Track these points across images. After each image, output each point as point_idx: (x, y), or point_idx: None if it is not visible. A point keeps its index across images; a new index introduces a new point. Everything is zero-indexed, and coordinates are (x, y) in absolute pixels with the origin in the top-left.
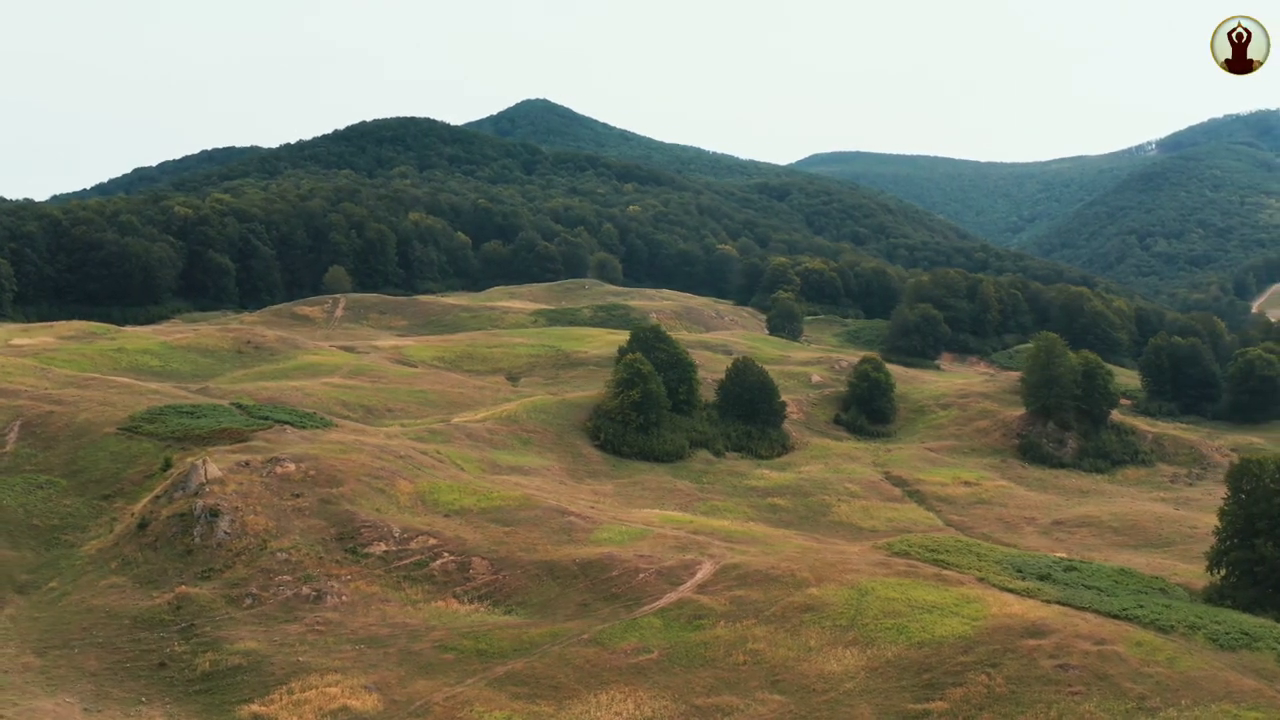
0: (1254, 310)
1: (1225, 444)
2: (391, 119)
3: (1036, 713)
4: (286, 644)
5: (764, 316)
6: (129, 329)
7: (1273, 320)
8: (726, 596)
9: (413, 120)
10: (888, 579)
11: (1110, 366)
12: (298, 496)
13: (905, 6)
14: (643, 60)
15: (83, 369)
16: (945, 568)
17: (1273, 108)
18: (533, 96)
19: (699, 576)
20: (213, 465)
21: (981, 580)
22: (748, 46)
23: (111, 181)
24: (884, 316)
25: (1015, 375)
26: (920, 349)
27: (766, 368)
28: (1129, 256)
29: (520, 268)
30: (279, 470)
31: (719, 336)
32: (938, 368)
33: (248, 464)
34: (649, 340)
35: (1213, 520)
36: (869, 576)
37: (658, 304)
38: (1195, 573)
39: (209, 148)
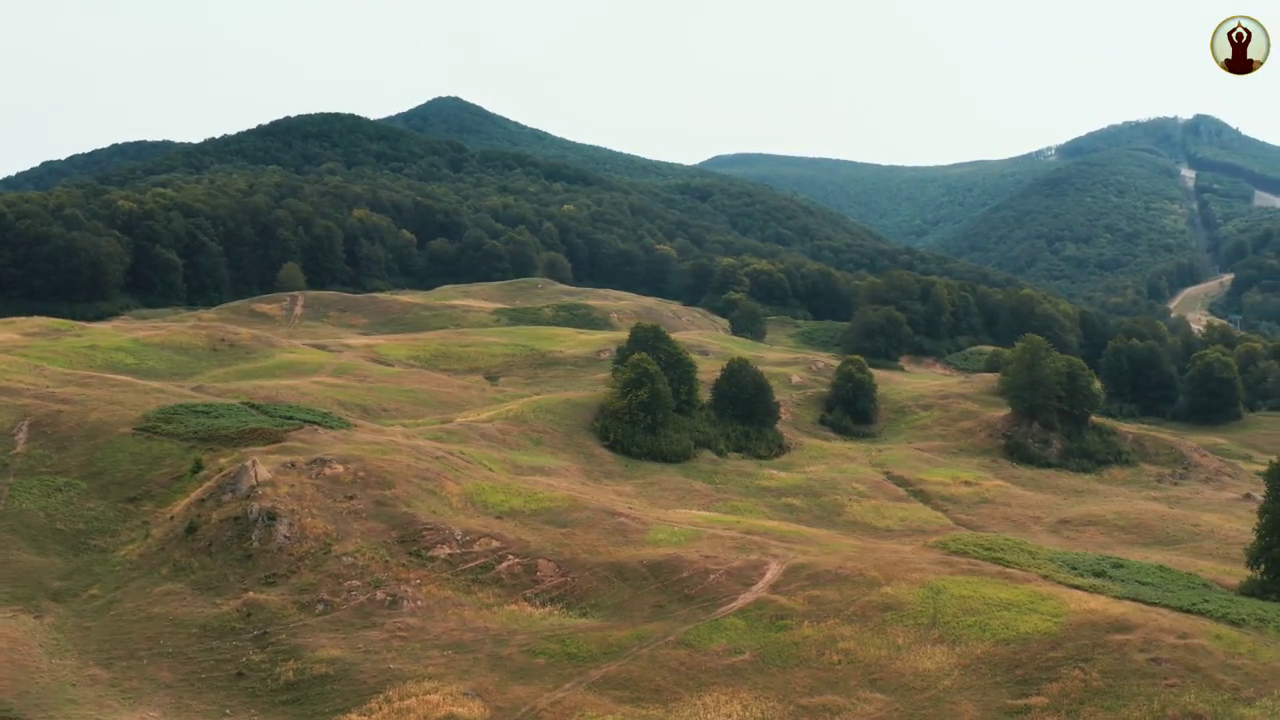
0: (1171, 314)
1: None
2: (316, 115)
3: (1138, 705)
4: (372, 651)
5: (716, 317)
6: (93, 325)
7: (1211, 326)
8: (803, 596)
9: (337, 116)
10: (955, 577)
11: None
12: (351, 499)
13: (803, 12)
14: (541, 61)
15: (61, 367)
16: (1007, 566)
17: (1170, 115)
18: (443, 94)
19: (769, 577)
20: (262, 467)
21: (1045, 577)
22: (647, 46)
23: (20, 175)
24: (831, 317)
25: (992, 376)
26: (884, 350)
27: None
28: (1039, 260)
29: (468, 266)
30: (327, 472)
31: (690, 336)
32: (902, 369)
33: (293, 465)
34: (649, 339)
35: (1214, 519)
36: (936, 575)
37: (616, 304)
38: (1218, 569)
39: (118, 141)
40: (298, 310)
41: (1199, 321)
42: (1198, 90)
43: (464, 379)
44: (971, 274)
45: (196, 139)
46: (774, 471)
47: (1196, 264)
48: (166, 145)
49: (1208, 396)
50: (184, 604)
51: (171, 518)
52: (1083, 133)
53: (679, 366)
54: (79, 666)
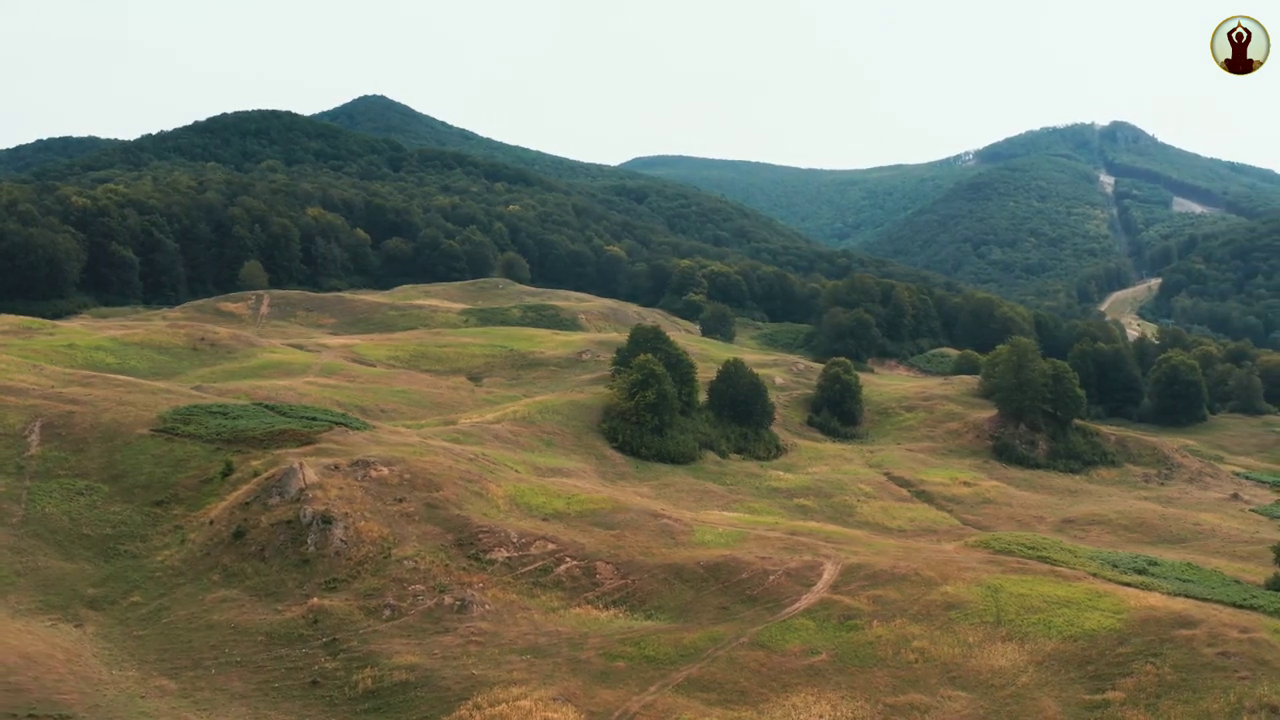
0: (1106, 318)
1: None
2: (254, 111)
3: (1215, 697)
4: (450, 657)
5: (676, 318)
6: (64, 324)
7: (1164, 330)
8: (866, 596)
9: (275, 114)
10: (1009, 576)
11: None
12: (401, 501)
13: (720, 17)
14: (460, 62)
15: (48, 365)
16: (1054, 564)
17: (1087, 121)
18: (368, 93)
19: (826, 577)
20: (309, 470)
21: (1094, 575)
22: (567, 47)
23: None
24: (788, 319)
25: (971, 378)
26: (854, 352)
27: None
28: (965, 264)
29: (424, 266)
30: (373, 474)
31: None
32: (872, 371)
33: (336, 467)
34: (650, 340)
35: (1211, 519)
36: (990, 574)
37: (581, 305)
38: (1232, 567)
39: (42, 137)
40: (264, 310)
41: (1131, 325)
42: (1112, 97)
43: (449, 380)
44: (910, 277)
45: (117, 135)
46: (780, 473)
47: (1122, 268)
48: (93, 141)
49: (1173, 399)
50: (244, 611)
51: (211, 522)
52: (1000, 138)
53: (679, 368)
54: (142, 677)
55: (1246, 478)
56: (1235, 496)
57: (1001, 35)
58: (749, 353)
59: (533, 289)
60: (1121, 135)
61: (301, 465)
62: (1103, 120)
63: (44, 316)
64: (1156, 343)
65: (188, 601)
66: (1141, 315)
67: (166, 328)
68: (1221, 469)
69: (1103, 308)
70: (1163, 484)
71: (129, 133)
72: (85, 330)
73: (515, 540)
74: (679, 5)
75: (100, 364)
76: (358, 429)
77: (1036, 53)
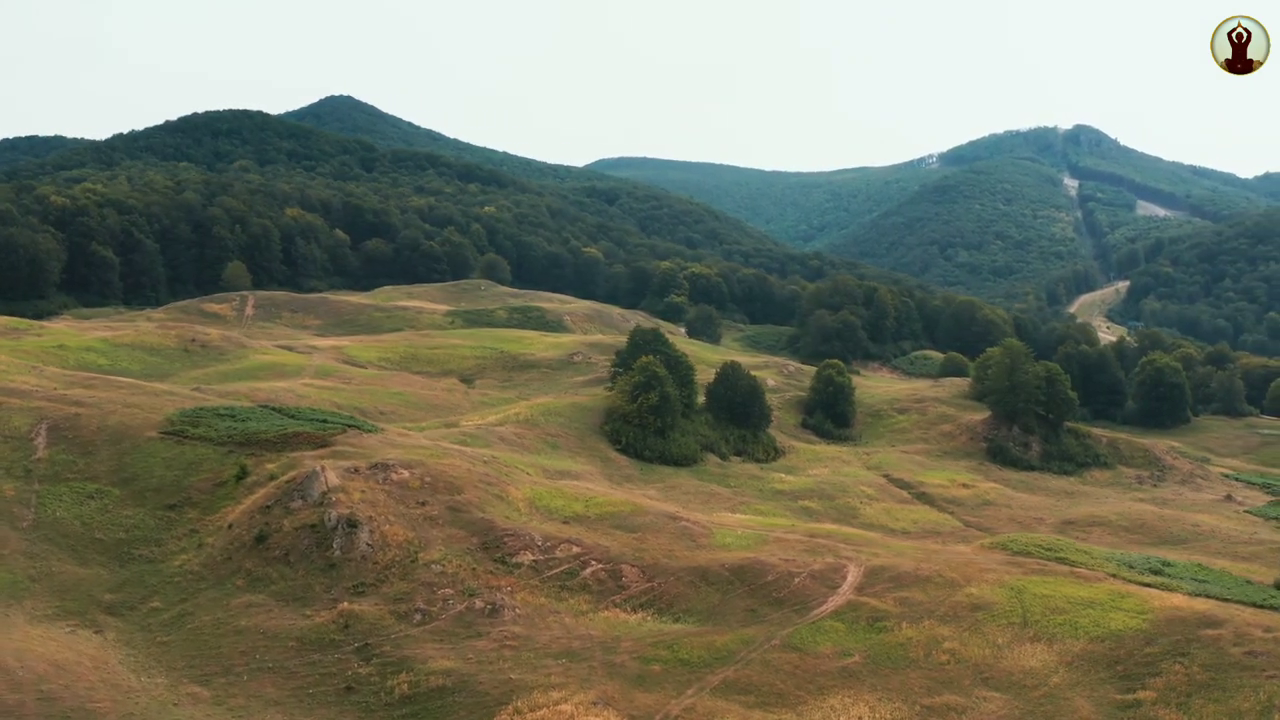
0: (1077, 321)
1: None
2: (225, 111)
3: (1245, 696)
4: (485, 661)
5: (658, 320)
6: (51, 324)
7: (1143, 333)
8: (892, 598)
9: (247, 114)
10: (1031, 577)
11: None
12: (424, 505)
13: (683, 17)
14: (420, 63)
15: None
16: (1073, 566)
17: (1050, 125)
18: (335, 93)
19: (851, 579)
20: (331, 473)
21: (1113, 576)
22: (529, 46)
23: None
24: (768, 321)
25: (962, 381)
26: (840, 355)
27: None
28: (933, 266)
29: (404, 267)
30: (394, 477)
31: None
32: (858, 373)
33: (357, 470)
34: (650, 342)
35: (1209, 520)
36: (1011, 575)
37: (564, 306)
38: (1237, 568)
39: (8, 136)
40: (249, 311)
41: (1101, 328)
42: (1074, 100)
43: (442, 381)
44: (884, 279)
45: (82, 134)
46: (782, 475)
47: (1090, 271)
48: (60, 140)
49: (1157, 401)
50: (272, 616)
51: (230, 526)
52: (963, 140)
53: (679, 370)
54: (172, 684)
55: (1236, 479)
56: (1228, 498)
57: (963, 38)
58: (737, 355)
59: (515, 290)
60: (1084, 138)
61: (324, 468)
62: (1065, 123)
63: (26, 317)
64: (1136, 345)
65: (211, 607)
66: (1110, 318)
67: (155, 329)
68: (1211, 470)
69: (1071, 310)
70: (1156, 486)
71: (92, 131)
72: (73, 331)
73: (540, 543)
74: (641, 7)
75: (92, 365)
76: (368, 431)
77: (998, 56)
